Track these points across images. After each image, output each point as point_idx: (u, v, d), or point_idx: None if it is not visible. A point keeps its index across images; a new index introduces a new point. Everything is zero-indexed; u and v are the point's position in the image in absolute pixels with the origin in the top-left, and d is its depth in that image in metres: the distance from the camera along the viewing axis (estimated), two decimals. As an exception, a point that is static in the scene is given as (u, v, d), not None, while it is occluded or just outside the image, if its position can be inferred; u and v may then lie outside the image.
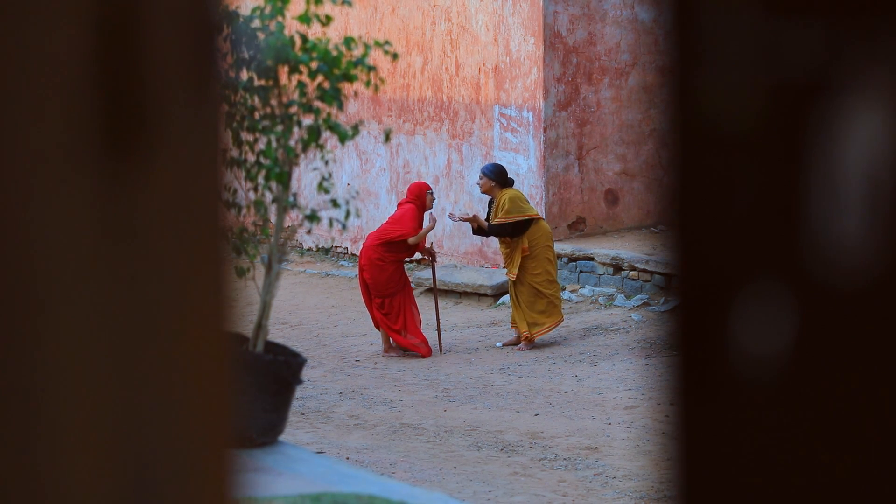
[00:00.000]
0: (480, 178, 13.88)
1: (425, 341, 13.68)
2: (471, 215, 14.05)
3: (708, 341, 1.15)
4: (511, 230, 13.68)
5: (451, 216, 14.31)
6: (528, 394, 11.86)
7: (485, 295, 15.70)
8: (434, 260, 14.37)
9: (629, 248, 15.61)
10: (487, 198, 14.14)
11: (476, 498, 9.00)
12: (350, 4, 8.70)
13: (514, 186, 15.25)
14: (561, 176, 16.55)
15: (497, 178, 13.78)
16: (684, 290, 1.16)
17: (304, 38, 8.04)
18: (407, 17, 17.86)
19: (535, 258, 13.70)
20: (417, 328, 13.71)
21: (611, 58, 16.71)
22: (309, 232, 9.80)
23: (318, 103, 8.01)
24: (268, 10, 8.10)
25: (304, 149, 7.95)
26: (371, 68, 8.13)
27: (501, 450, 10.19)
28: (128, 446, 1.17)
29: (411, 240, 13.73)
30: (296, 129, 7.96)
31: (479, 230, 14.05)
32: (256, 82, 7.93)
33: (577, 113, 16.59)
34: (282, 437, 8.02)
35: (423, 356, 13.56)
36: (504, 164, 16.58)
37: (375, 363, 13.48)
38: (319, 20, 8.02)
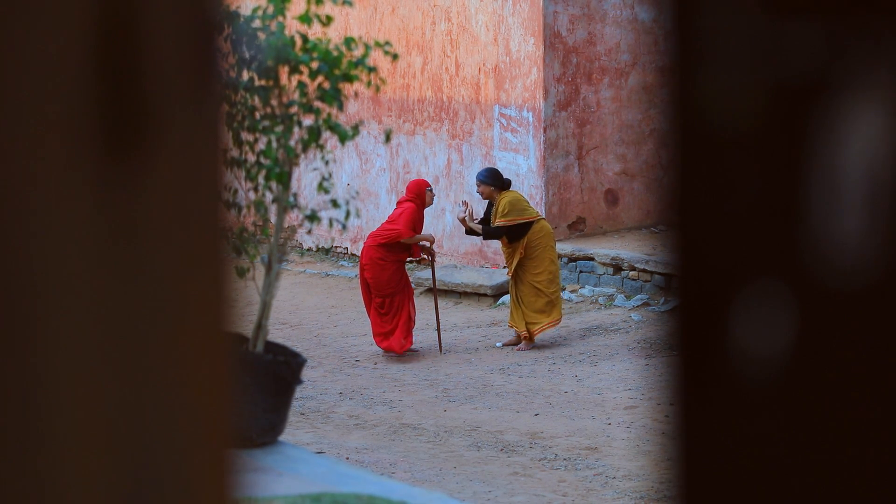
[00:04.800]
0: (478, 186, 13.85)
1: (408, 340, 13.60)
2: (464, 215, 13.96)
3: (708, 341, 1.15)
4: (507, 234, 13.66)
5: (464, 203, 14.20)
6: (528, 394, 11.86)
7: (485, 295, 15.69)
8: (434, 260, 14.37)
9: (629, 248, 15.61)
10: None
11: (476, 498, 9.00)
12: (350, 4, 8.70)
13: (514, 187, 15.27)
14: (561, 176, 16.55)
15: (493, 181, 13.76)
16: (684, 290, 1.16)
17: (305, 39, 8.04)
18: (407, 17, 17.86)
19: (538, 258, 13.69)
20: (406, 329, 13.68)
21: (611, 58, 16.70)
22: (309, 232, 9.80)
23: (318, 103, 8.01)
24: (268, 10, 8.10)
25: (305, 149, 7.95)
26: (371, 69, 8.13)
27: (501, 450, 10.19)
28: (127, 446, 1.17)
29: (405, 239, 13.74)
30: (296, 130, 7.97)
31: (470, 231, 14.05)
32: (257, 82, 7.93)
33: (577, 113, 16.59)
34: (282, 437, 8.03)
35: (395, 353, 13.51)
36: (504, 164, 16.61)
37: (375, 363, 13.47)
38: (320, 20, 8.02)
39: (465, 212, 13.98)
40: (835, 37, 1.10)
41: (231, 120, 7.83)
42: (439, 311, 14.12)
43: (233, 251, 7.85)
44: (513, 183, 15.60)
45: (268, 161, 7.83)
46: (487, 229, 13.77)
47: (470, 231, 14.01)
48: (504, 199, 13.67)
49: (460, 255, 17.27)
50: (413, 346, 13.71)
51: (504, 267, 15.25)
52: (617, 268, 15.30)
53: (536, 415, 11.13)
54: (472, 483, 9.40)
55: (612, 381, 12.12)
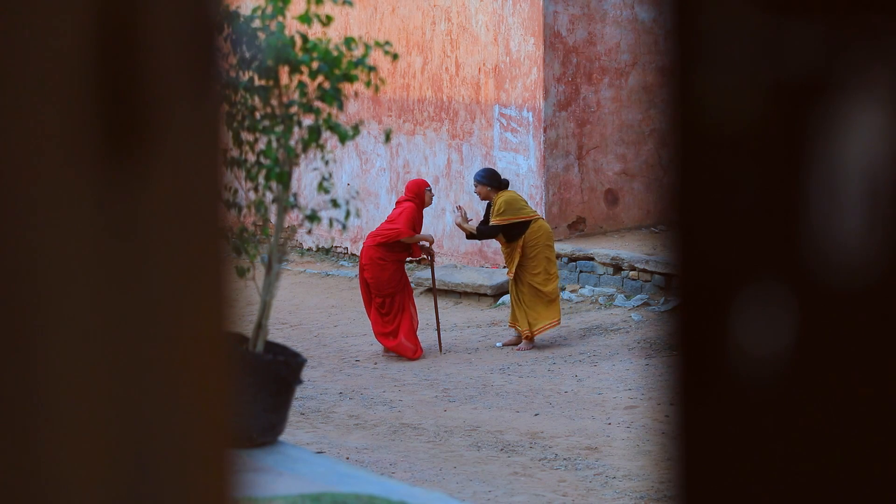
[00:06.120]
0: (476, 186, 13.88)
1: (417, 345, 13.63)
2: (459, 217, 14.03)
3: (708, 341, 1.15)
4: (502, 233, 13.68)
5: (458, 207, 14.29)
6: (528, 394, 11.86)
7: (485, 295, 15.69)
8: (433, 260, 14.38)
9: (629, 248, 15.61)
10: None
11: (476, 498, 9.00)
12: (350, 4, 8.70)
13: (514, 187, 15.28)
14: (561, 176, 16.55)
15: (490, 181, 13.78)
16: (684, 290, 1.16)
17: (305, 38, 8.04)
18: (407, 17, 17.86)
19: (535, 258, 13.70)
20: (411, 331, 13.68)
21: (611, 58, 16.71)
22: (309, 232, 9.80)
23: (318, 103, 8.01)
24: (268, 10, 8.10)
25: (305, 149, 7.95)
26: (371, 68, 8.13)
27: (501, 450, 10.20)
28: (127, 446, 1.17)
29: (405, 238, 13.74)
30: (296, 129, 7.96)
31: (471, 236, 14.08)
32: (257, 82, 7.93)
33: (577, 113, 16.59)
34: (282, 437, 8.02)
35: (408, 358, 13.51)
36: (504, 164, 16.62)
37: (375, 363, 13.47)
38: (320, 20, 8.02)
39: (459, 216, 14.02)
40: (835, 37, 1.10)
41: (231, 120, 7.83)
42: (439, 311, 14.12)
43: (233, 251, 7.85)
44: (513, 183, 15.61)
45: (268, 161, 7.83)
46: (482, 229, 13.80)
47: (471, 236, 14.04)
48: (500, 199, 13.69)
49: (460, 255, 17.27)
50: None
51: (504, 267, 15.25)
52: (617, 268, 15.30)
53: (536, 415, 11.13)
54: (472, 483, 9.40)
55: (612, 381, 12.12)
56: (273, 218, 7.96)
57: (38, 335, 1.12)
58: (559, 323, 13.79)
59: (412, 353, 13.53)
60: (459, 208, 14.18)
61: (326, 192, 8.01)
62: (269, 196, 7.91)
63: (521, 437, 10.49)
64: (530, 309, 13.64)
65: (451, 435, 10.65)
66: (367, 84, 8.11)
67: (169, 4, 1.17)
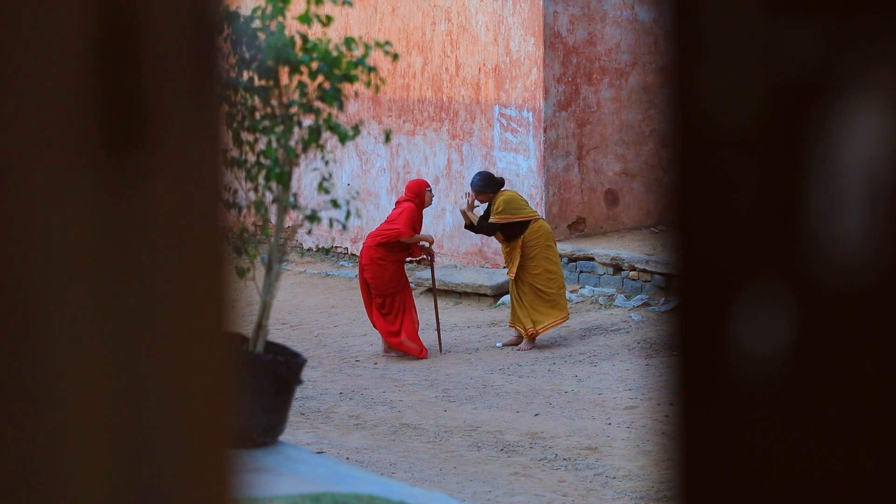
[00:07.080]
0: (476, 195, 13.83)
1: (421, 345, 13.65)
2: (466, 204, 14.01)
3: (708, 341, 1.15)
4: (501, 231, 13.68)
5: (467, 194, 14.23)
6: (528, 394, 11.86)
7: (485, 295, 15.69)
8: (433, 260, 14.37)
9: (629, 248, 15.61)
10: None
11: (476, 498, 9.00)
12: (350, 5, 8.70)
13: (515, 187, 15.28)
14: (561, 176, 16.55)
15: (489, 186, 13.77)
16: (684, 290, 1.16)
17: (305, 39, 8.04)
18: (407, 17, 17.86)
19: (535, 258, 13.70)
20: (414, 330, 13.69)
21: (611, 58, 16.70)
22: (309, 232, 9.80)
23: (318, 103, 8.01)
24: (268, 10, 8.10)
25: (305, 149, 7.95)
26: (371, 69, 8.13)
27: (501, 450, 10.20)
28: (128, 446, 1.17)
29: (405, 238, 13.73)
30: (296, 130, 7.96)
31: (469, 225, 14.05)
32: (257, 82, 7.93)
33: (577, 113, 16.58)
34: (282, 437, 8.03)
35: (415, 356, 13.54)
36: (504, 165, 16.62)
37: (375, 363, 13.47)
38: (320, 20, 8.02)
39: (466, 202, 13.98)
40: (835, 37, 1.10)
41: (231, 120, 7.83)
42: (439, 311, 14.12)
43: (233, 251, 7.85)
44: (513, 183, 15.60)
45: (268, 161, 7.83)
46: (481, 223, 13.79)
47: (470, 226, 14.01)
48: (500, 198, 13.70)
49: (460, 255, 17.27)
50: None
51: (504, 267, 15.25)
52: (617, 268, 15.30)
53: (536, 415, 11.13)
54: (472, 483, 9.40)
55: (612, 381, 12.12)
56: (273, 218, 7.96)
57: (37, 336, 1.12)
58: (566, 319, 13.78)
59: (418, 352, 13.55)
60: (468, 195, 14.12)
61: (326, 192, 8.01)
62: (269, 196, 7.91)
63: (521, 438, 10.49)
64: (532, 309, 13.64)
65: (451, 435, 10.65)
66: (367, 84, 8.11)
67: (169, 5, 1.17)
